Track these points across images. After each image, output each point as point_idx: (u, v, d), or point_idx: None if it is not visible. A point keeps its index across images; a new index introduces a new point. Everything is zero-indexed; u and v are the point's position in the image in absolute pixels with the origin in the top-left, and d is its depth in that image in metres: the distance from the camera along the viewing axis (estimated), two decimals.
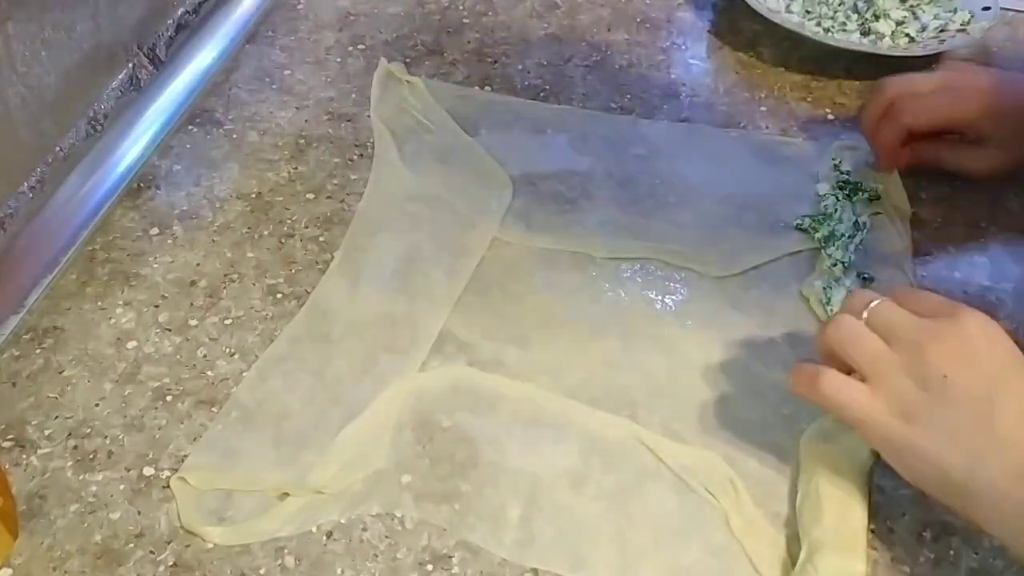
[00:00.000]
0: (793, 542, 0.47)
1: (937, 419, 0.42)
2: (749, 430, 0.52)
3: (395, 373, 0.53)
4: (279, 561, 0.46)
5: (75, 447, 0.50)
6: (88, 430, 0.51)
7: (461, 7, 0.83)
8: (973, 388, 0.42)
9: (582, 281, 0.59)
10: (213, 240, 0.61)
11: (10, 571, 0.45)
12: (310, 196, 0.65)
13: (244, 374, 0.53)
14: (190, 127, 0.70)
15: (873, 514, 0.48)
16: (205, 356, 0.54)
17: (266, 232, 0.62)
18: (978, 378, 0.42)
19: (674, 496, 0.49)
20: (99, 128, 0.67)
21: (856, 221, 0.62)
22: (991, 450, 0.41)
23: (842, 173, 0.66)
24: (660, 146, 0.69)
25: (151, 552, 0.46)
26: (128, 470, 0.49)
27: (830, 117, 0.73)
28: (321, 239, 0.62)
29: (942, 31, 0.78)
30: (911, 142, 0.64)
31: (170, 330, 0.56)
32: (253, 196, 0.65)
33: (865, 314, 0.45)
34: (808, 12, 0.80)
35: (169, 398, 0.52)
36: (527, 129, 0.70)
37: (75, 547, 0.46)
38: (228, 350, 0.55)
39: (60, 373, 0.53)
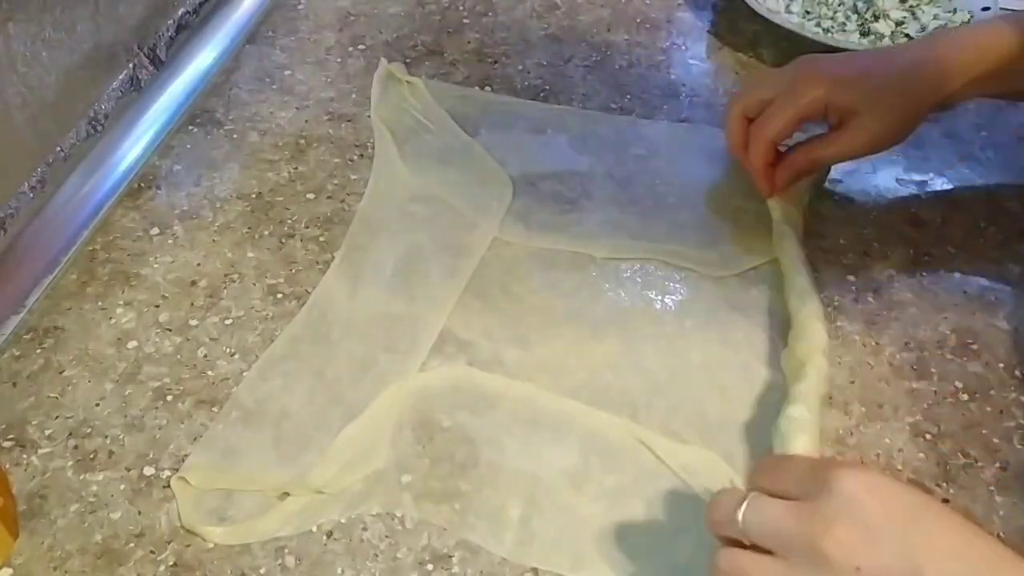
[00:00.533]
0: None
1: None
2: (749, 430, 0.52)
3: (395, 373, 0.53)
4: (279, 561, 0.46)
5: (75, 447, 0.50)
6: (88, 430, 0.51)
7: (461, 7, 0.83)
8: (890, 565, 0.36)
9: (582, 281, 0.60)
10: (213, 240, 0.61)
11: (11, 571, 0.45)
12: (310, 196, 0.65)
13: (244, 374, 0.53)
14: (190, 127, 0.70)
15: None
16: (205, 356, 0.54)
17: (266, 232, 0.62)
18: (890, 551, 0.36)
19: (674, 496, 0.49)
20: (99, 128, 0.67)
21: None
22: None
23: None
24: (660, 146, 0.69)
25: (151, 552, 0.46)
26: (128, 470, 0.49)
27: None
28: (321, 239, 0.62)
29: None
30: (781, 157, 0.63)
31: (170, 330, 0.56)
32: (253, 196, 0.65)
33: (740, 517, 0.39)
34: (808, 12, 0.80)
35: (169, 398, 0.52)
36: (527, 129, 0.70)
37: (75, 547, 0.46)
38: (228, 350, 0.55)
39: (60, 373, 0.53)
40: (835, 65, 0.62)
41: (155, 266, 0.60)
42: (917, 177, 0.68)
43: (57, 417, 0.51)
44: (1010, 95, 0.66)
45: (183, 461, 0.49)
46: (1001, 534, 0.48)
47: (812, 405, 0.49)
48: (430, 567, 0.46)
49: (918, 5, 0.80)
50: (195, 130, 0.70)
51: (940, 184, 0.67)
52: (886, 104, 0.60)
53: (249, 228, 0.62)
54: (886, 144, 0.62)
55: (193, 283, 0.59)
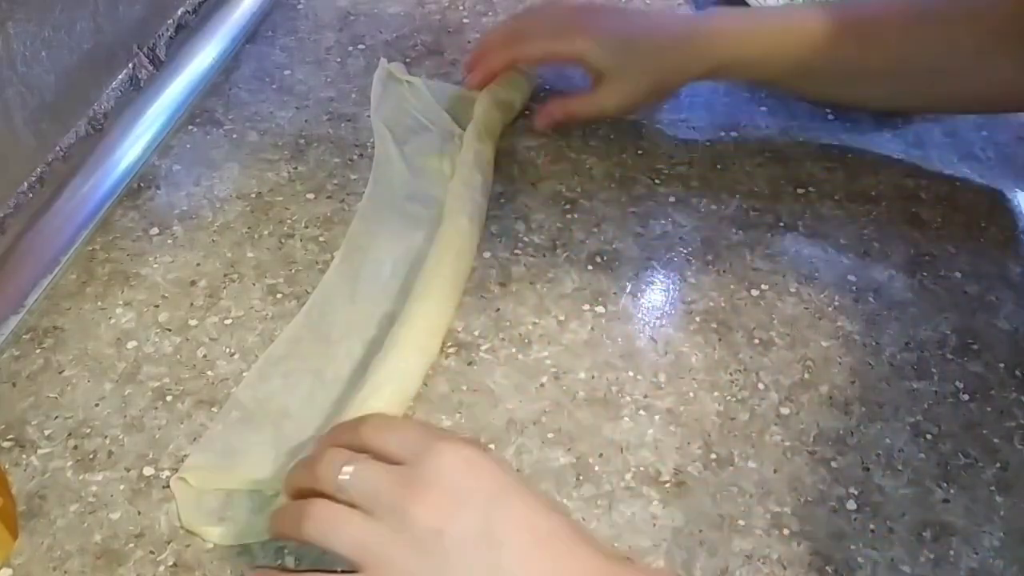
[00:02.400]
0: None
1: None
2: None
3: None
4: (279, 561, 0.46)
5: (75, 447, 0.50)
6: (88, 430, 0.51)
7: (461, 7, 0.83)
8: (469, 532, 0.38)
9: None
10: (213, 240, 0.61)
11: (10, 571, 0.45)
12: (310, 196, 0.65)
13: (244, 374, 0.53)
14: (190, 127, 0.70)
15: (873, 514, 0.48)
16: (205, 356, 0.54)
17: (266, 232, 0.62)
18: (472, 519, 0.38)
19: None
20: (99, 128, 0.67)
21: None
22: None
23: None
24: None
25: (151, 552, 0.46)
26: (128, 470, 0.49)
27: (830, 117, 0.73)
28: (321, 239, 0.62)
29: None
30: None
31: (170, 330, 0.56)
32: (253, 196, 0.65)
33: (342, 477, 0.40)
34: None
35: (169, 398, 0.52)
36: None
37: (75, 547, 0.46)
38: (228, 350, 0.55)
39: (60, 373, 0.53)
40: (606, 21, 0.65)
41: (155, 266, 0.60)
42: (918, 177, 0.68)
43: (56, 417, 0.51)
44: (802, 94, 0.70)
45: (182, 461, 0.49)
46: (1003, 534, 0.48)
47: (409, 354, 0.51)
48: None
49: None
50: (195, 130, 0.70)
51: (941, 184, 0.67)
52: (640, 70, 0.64)
53: (249, 228, 0.62)
54: (634, 109, 0.68)
55: (193, 283, 0.59)
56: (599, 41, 0.64)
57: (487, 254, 0.61)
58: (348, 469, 0.40)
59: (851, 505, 0.49)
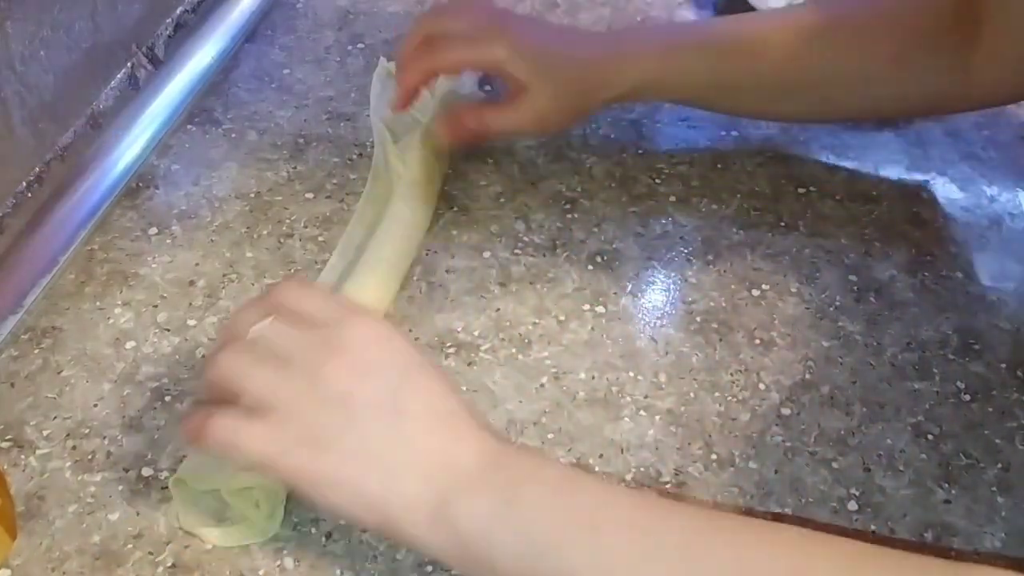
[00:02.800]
0: None
1: (348, 441, 0.39)
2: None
3: None
4: (278, 562, 0.45)
5: (74, 447, 0.50)
6: (87, 430, 0.50)
7: None
8: (376, 399, 0.40)
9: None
10: (212, 240, 0.61)
11: (9, 572, 0.45)
12: (309, 196, 0.65)
13: None
14: (189, 126, 0.70)
15: (874, 515, 0.48)
16: (204, 356, 0.54)
17: (265, 232, 0.62)
18: (380, 387, 0.40)
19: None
20: (98, 127, 0.66)
21: None
22: (404, 459, 0.39)
23: None
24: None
25: (150, 553, 0.45)
26: (127, 471, 0.49)
27: None
28: (320, 239, 0.61)
29: None
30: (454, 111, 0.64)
31: (169, 330, 0.56)
32: (252, 196, 0.64)
33: (258, 327, 0.42)
34: None
35: (168, 398, 0.52)
36: None
37: (74, 548, 0.46)
38: None
39: (59, 373, 0.53)
40: (528, 32, 0.62)
41: (153, 266, 0.59)
42: (919, 176, 0.68)
43: (55, 418, 0.51)
44: (725, 111, 0.68)
45: (181, 462, 0.49)
46: (1004, 535, 0.48)
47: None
48: (429, 568, 0.45)
49: None
50: (193, 129, 0.70)
51: (942, 183, 0.67)
52: (558, 89, 0.61)
53: (248, 228, 0.62)
54: (552, 127, 0.64)
55: (191, 283, 0.58)
56: (520, 50, 0.60)
57: (487, 254, 0.61)
58: (264, 323, 0.42)
59: (852, 506, 0.49)
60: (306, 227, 0.62)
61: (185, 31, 0.76)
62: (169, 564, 0.45)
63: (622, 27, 0.80)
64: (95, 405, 0.52)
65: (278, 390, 0.40)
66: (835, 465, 0.50)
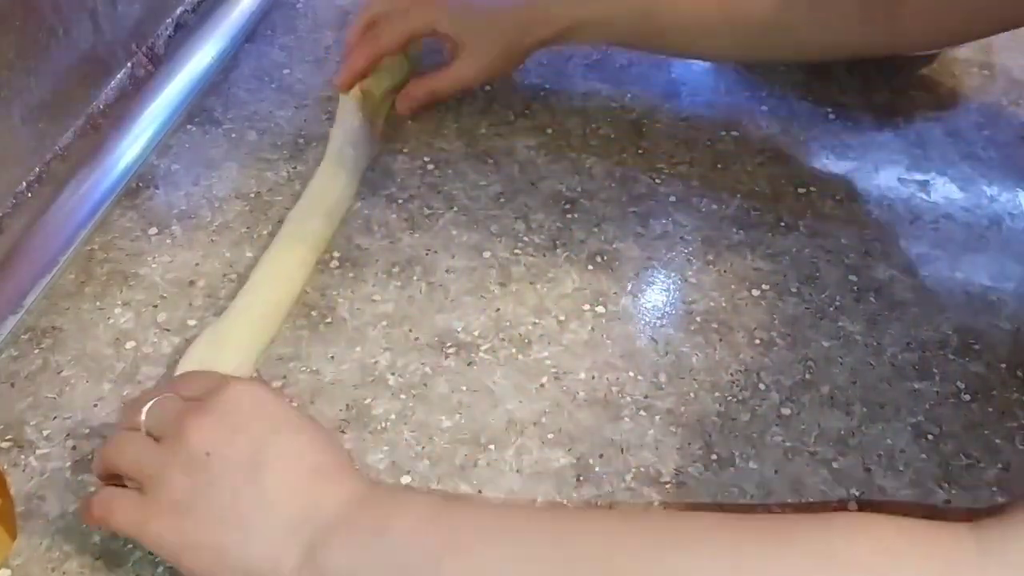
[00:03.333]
0: None
1: (206, 501, 0.39)
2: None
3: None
4: None
5: (74, 447, 0.50)
6: (87, 430, 0.50)
7: None
8: (237, 457, 0.40)
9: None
10: (212, 240, 0.61)
11: (9, 572, 0.45)
12: None
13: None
14: (189, 126, 0.70)
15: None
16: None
17: (265, 232, 0.62)
18: (243, 446, 0.40)
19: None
20: (98, 127, 0.66)
21: None
22: (264, 517, 0.39)
23: None
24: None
25: (150, 553, 0.45)
26: None
27: (831, 116, 0.73)
28: None
29: None
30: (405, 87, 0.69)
31: (169, 330, 0.56)
32: (252, 196, 0.64)
33: (143, 415, 0.42)
34: None
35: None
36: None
37: (74, 548, 0.46)
38: None
39: (59, 373, 0.53)
40: (458, 3, 0.66)
41: (153, 266, 0.59)
42: (919, 176, 0.68)
43: (55, 417, 0.51)
44: (651, 50, 0.71)
45: None
46: None
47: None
48: None
49: None
50: (193, 129, 0.70)
51: (942, 183, 0.67)
52: (489, 38, 0.66)
53: (248, 228, 0.62)
54: (493, 75, 0.69)
55: (191, 283, 0.58)
56: (448, 9, 0.66)
57: (487, 254, 0.61)
58: (147, 406, 0.43)
59: (853, 506, 0.49)
60: None
61: (185, 31, 0.76)
62: (169, 564, 0.45)
63: None
64: (95, 405, 0.52)
65: (147, 462, 0.41)
66: (835, 465, 0.50)
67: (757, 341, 0.56)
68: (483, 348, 0.55)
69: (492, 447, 0.51)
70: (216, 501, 0.39)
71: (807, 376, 0.54)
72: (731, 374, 0.54)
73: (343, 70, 0.67)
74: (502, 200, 0.65)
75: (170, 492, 0.40)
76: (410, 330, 0.56)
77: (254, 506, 0.39)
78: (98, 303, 0.57)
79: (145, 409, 0.43)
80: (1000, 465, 0.51)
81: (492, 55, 0.67)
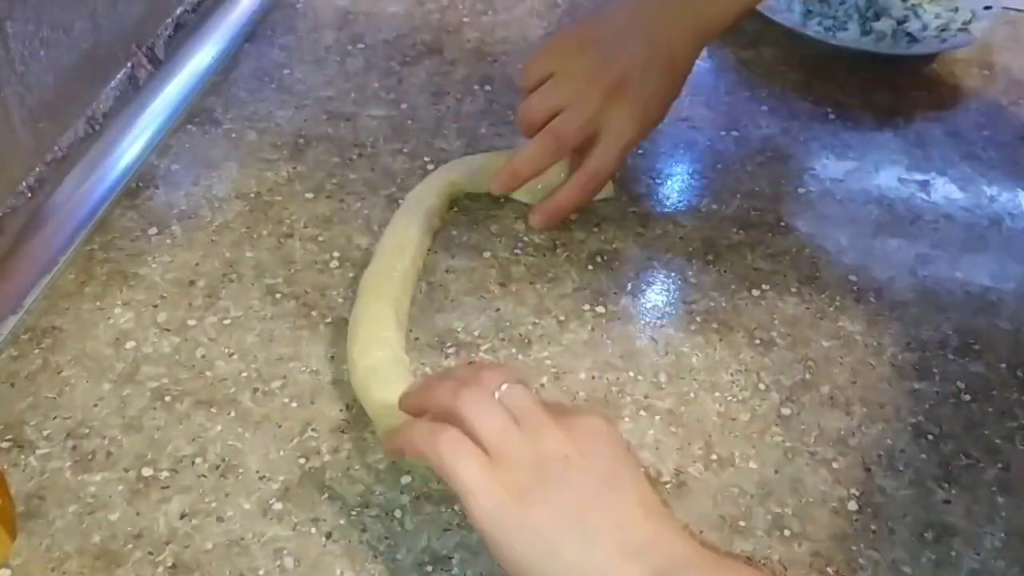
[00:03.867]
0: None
1: (555, 499, 0.39)
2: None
3: None
4: (278, 562, 0.45)
5: (73, 447, 0.50)
6: (86, 430, 0.50)
7: (461, 6, 0.83)
8: (593, 471, 0.40)
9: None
10: (212, 240, 0.61)
11: (9, 572, 0.45)
12: (309, 196, 0.65)
13: (243, 374, 0.53)
14: (189, 126, 0.70)
15: (875, 515, 0.48)
16: (204, 356, 0.54)
17: (265, 232, 0.62)
18: (599, 464, 0.40)
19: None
20: (98, 127, 0.66)
21: None
22: (609, 528, 0.39)
23: None
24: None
25: (150, 553, 0.45)
26: (127, 471, 0.49)
27: (832, 116, 0.73)
28: (320, 239, 0.61)
29: (943, 30, 0.78)
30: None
31: (169, 330, 0.56)
32: (252, 196, 0.64)
33: (498, 393, 0.42)
34: (809, 11, 0.80)
35: (168, 398, 0.52)
36: None
37: (73, 548, 0.46)
38: (227, 350, 0.55)
39: (59, 373, 0.53)
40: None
41: (153, 266, 0.59)
42: (919, 176, 0.68)
43: (55, 418, 0.51)
44: None
45: (181, 462, 0.49)
46: (1004, 535, 0.48)
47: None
48: (429, 568, 0.45)
49: (920, 4, 0.80)
50: (193, 129, 0.70)
51: (942, 183, 0.67)
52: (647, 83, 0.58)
53: (247, 228, 0.62)
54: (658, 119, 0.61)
55: (191, 283, 0.58)
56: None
57: (487, 254, 0.61)
58: (507, 386, 0.42)
59: (852, 506, 0.49)
60: (306, 227, 0.62)
61: (185, 31, 0.76)
62: (169, 564, 0.45)
63: None
64: (95, 405, 0.52)
65: (507, 437, 0.41)
66: (835, 465, 0.50)
67: (757, 341, 0.56)
68: (483, 348, 0.55)
69: None
70: (564, 501, 0.39)
71: (807, 376, 0.54)
72: (731, 374, 0.54)
73: (518, 166, 0.59)
74: (502, 200, 0.65)
75: (520, 475, 0.40)
76: (410, 330, 0.56)
77: (602, 519, 0.39)
78: (98, 303, 0.57)
79: (504, 389, 0.42)
80: (1000, 465, 0.51)
81: (652, 100, 0.60)
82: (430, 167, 0.67)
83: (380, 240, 0.59)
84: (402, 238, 0.59)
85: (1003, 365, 0.55)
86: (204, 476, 0.49)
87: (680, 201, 0.65)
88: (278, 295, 0.58)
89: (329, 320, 0.56)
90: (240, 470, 0.49)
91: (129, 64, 0.70)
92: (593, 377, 0.54)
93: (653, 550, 0.38)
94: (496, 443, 0.41)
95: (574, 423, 0.41)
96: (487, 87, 0.74)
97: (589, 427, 0.42)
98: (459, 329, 0.56)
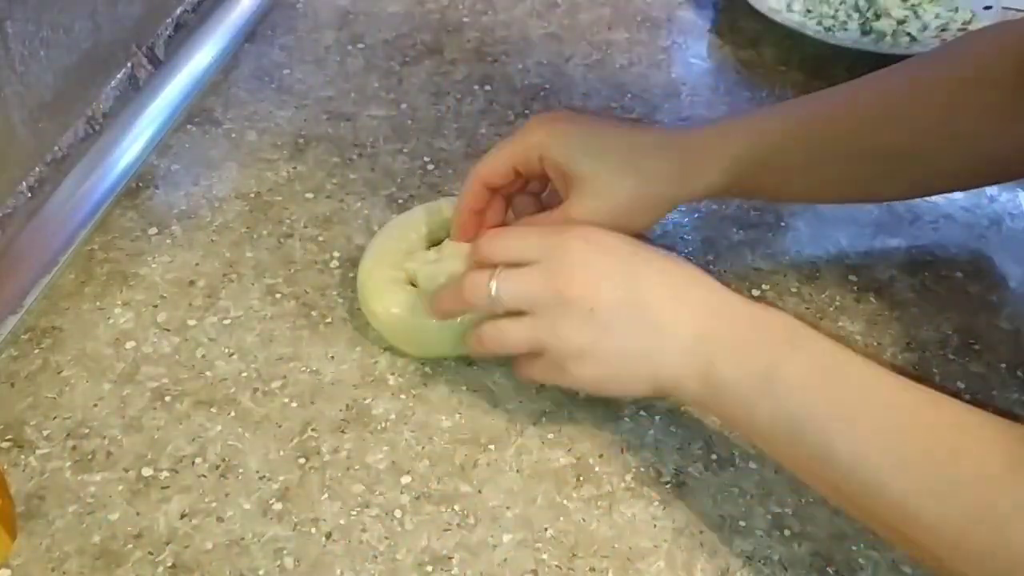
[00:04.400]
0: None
1: (608, 348, 0.45)
2: None
3: None
4: (278, 562, 0.45)
5: (73, 447, 0.50)
6: (87, 430, 0.50)
7: (461, 6, 0.83)
8: (618, 303, 0.44)
9: None
10: (212, 240, 0.61)
11: (9, 572, 0.45)
12: (309, 196, 0.65)
13: (242, 375, 0.53)
14: (189, 126, 0.70)
15: None
16: (204, 356, 0.54)
17: (265, 232, 0.62)
18: (616, 290, 0.45)
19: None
20: (98, 127, 0.66)
21: None
22: (665, 341, 0.44)
23: None
24: None
25: (150, 553, 0.45)
26: (127, 471, 0.49)
27: None
28: (320, 239, 0.61)
29: (943, 30, 0.78)
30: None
31: (169, 330, 0.56)
32: (252, 196, 0.64)
33: (492, 290, 0.46)
34: (809, 11, 0.80)
35: (168, 398, 0.52)
36: None
37: (74, 548, 0.46)
38: (227, 350, 0.55)
39: (59, 373, 0.53)
40: (572, 120, 0.52)
41: (153, 266, 0.59)
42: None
43: (55, 418, 0.51)
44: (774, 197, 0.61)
45: (181, 462, 0.49)
46: None
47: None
48: (429, 568, 0.45)
49: (920, 4, 0.80)
50: (193, 129, 0.70)
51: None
52: (621, 178, 0.50)
53: (247, 228, 0.62)
54: (622, 221, 0.50)
55: (191, 283, 0.58)
56: (560, 132, 0.51)
57: None
58: (493, 284, 0.46)
59: None
60: (306, 227, 0.62)
61: (185, 31, 0.76)
62: (169, 564, 0.45)
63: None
64: (95, 405, 0.52)
65: (539, 337, 0.46)
66: None
67: None
68: None
69: (492, 447, 0.51)
70: (617, 344, 0.45)
71: None
72: None
73: (458, 227, 0.54)
74: None
75: (570, 350, 0.46)
76: None
77: (653, 336, 0.45)
78: (98, 303, 0.57)
79: (492, 294, 0.46)
80: None
81: (620, 200, 0.50)
82: (430, 167, 0.67)
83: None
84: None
85: (1003, 365, 0.55)
86: (204, 476, 0.49)
87: None
88: (278, 295, 0.58)
89: (329, 320, 0.56)
90: (240, 470, 0.49)
91: (129, 64, 0.70)
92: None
93: (702, 340, 0.44)
94: (538, 346, 0.47)
95: (568, 266, 0.45)
96: (487, 87, 0.74)
97: (582, 260, 0.45)
98: None
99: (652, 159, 0.51)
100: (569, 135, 0.51)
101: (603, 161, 0.50)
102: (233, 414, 0.51)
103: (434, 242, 0.56)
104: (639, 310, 0.45)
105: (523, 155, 0.51)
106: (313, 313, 0.57)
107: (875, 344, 0.56)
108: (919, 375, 0.54)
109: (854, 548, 0.47)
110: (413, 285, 0.53)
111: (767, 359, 0.43)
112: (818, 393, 0.42)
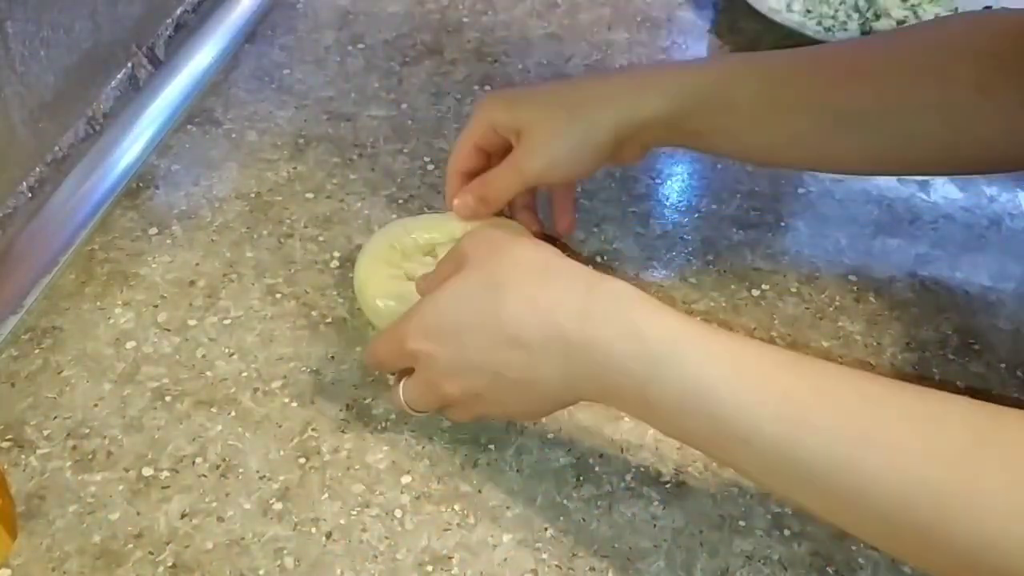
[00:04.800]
0: None
1: (493, 394, 0.45)
2: None
3: None
4: (278, 562, 0.45)
5: (74, 447, 0.50)
6: (87, 430, 0.50)
7: (461, 6, 0.83)
8: (491, 382, 0.44)
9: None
10: (212, 240, 0.61)
11: (9, 572, 0.45)
12: (309, 196, 0.65)
13: (243, 374, 0.53)
14: (189, 126, 0.70)
15: None
16: (204, 356, 0.54)
17: (265, 232, 0.62)
18: (484, 376, 0.44)
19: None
20: (98, 128, 0.66)
21: None
22: (541, 387, 0.44)
23: None
24: None
25: (150, 553, 0.45)
26: (127, 470, 0.49)
27: None
28: (320, 239, 0.61)
29: None
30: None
31: (169, 330, 0.56)
32: (252, 196, 0.64)
33: (404, 405, 0.48)
34: (809, 11, 0.80)
35: (168, 398, 0.52)
36: None
37: (74, 548, 0.46)
38: (227, 350, 0.55)
39: (59, 373, 0.53)
40: (515, 89, 0.58)
41: (153, 266, 0.59)
42: (919, 176, 0.68)
43: (55, 417, 0.51)
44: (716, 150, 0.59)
45: (181, 462, 0.49)
46: None
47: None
48: (430, 568, 0.45)
49: (919, 4, 0.80)
50: (194, 129, 0.70)
51: (941, 183, 0.67)
52: (554, 120, 0.52)
53: (248, 228, 0.62)
54: (568, 169, 0.53)
55: (192, 283, 0.58)
56: (506, 102, 0.54)
57: None
58: (401, 398, 0.48)
59: None
60: (306, 227, 0.62)
61: (185, 31, 0.76)
62: (169, 564, 0.45)
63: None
64: (95, 405, 0.52)
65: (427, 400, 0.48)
66: None
67: None
68: None
69: (492, 447, 0.51)
70: (497, 389, 0.45)
71: None
72: None
73: (450, 202, 0.57)
74: None
75: (475, 413, 0.48)
76: None
77: (531, 391, 0.44)
78: (98, 303, 0.57)
79: (404, 404, 0.49)
80: None
81: (565, 136, 0.52)
82: (430, 167, 0.67)
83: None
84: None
85: (1003, 365, 0.55)
86: (204, 476, 0.49)
87: (680, 201, 0.65)
88: (278, 295, 0.58)
89: (329, 320, 0.56)
90: (240, 470, 0.49)
91: (129, 64, 0.70)
92: None
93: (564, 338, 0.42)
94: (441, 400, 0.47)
95: (432, 306, 0.46)
96: (487, 87, 0.74)
97: (458, 307, 0.45)
98: None
99: (593, 90, 0.53)
100: (513, 97, 0.56)
101: (544, 106, 0.53)
102: (233, 414, 0.51)
103: (430, 250, 0.56)
104: (494, 308, 0.43)
105: (479, 131, 0.55)
106: (313, 313, 0.57)
107: (875, 344, 0.56)
108: (919, 375, 0.55)
109: (854, 548, 0.47)
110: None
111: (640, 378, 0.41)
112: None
